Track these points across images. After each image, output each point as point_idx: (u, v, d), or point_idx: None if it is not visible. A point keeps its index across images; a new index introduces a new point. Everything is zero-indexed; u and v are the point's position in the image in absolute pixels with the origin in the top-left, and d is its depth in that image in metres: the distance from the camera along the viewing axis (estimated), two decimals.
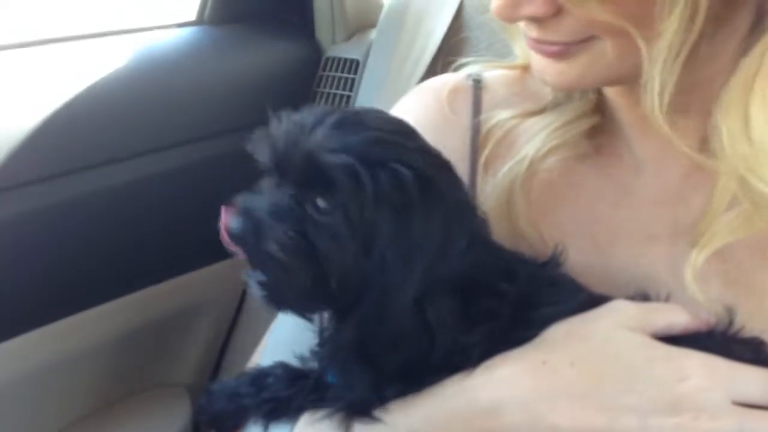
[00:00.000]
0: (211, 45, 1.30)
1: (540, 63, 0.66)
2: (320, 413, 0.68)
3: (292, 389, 0.73)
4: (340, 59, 1.37)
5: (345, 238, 0.59)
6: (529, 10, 0.61)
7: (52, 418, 1.22)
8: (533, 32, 0.64)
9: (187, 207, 1.21)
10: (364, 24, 1.41)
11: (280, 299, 0.65)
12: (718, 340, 0.63)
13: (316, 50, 1.39)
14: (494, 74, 0.84)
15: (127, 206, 1.16)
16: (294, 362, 0.76)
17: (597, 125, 0.75)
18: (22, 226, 1.05)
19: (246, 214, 0.62)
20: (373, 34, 1.35)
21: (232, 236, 0.62)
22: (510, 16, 0.62)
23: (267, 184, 0.64)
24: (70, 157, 1.08)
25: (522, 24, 0.65)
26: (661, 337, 0.62)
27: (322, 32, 1.39)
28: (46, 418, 1.22)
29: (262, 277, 0.63)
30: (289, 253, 0.60)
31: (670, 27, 0.57)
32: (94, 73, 1.12)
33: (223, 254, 1.34)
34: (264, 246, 0.61)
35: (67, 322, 1.14)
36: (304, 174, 0.60)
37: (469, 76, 0.84)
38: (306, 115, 0.62)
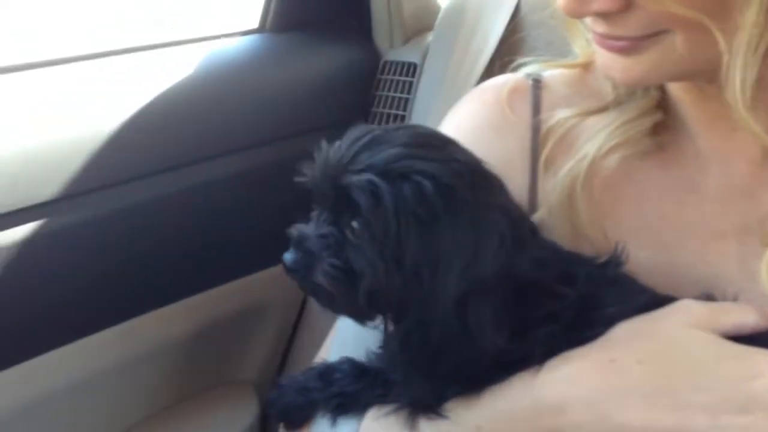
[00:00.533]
0: (273, 52, 1.33)
1: (606, 59, 0.65)
2: (386, 409, 0.70)
3: (358, 385, 0.74)
4: (398, 63, 1.37)
5: (372, 256, 0.61)
6: (599, 5, 0.60)
7: (121, 416, 1.26)
8: (600, 27, 0.63)
9: (254, 209, 1.24)
10: (421, 27, 1.42)
11: (338, 310, 0.69)
12: None
13: (375, 55, 1.40)
14: (553, 73, 0.83)
15: (194, 209, 1.19)
16: (360, 358, 0.78)
17: (660, 122, 0.73)
18: (96, 228, 1.09)
19: (297, 246, 0.67)
20: (430, 37, 1.35)
21: (288, 267, 0.67)
22: (578, 12, 0.62)
23: (316, 212, 0.67)
24: (142, 162, 1.12)
25: (588, 19, 0.64)
26: (730, 337, 0.61)
27: (380, 37, 1.40)
28: (116, 416, 1.25)
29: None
30: (334, 282, 0.64)
31: (749, 19, 0.56)
32: (162, 81, 1.16)
33: None
34: (313, 277, 0.65)
35: (137, 321, 1.18)
36: (335, 199, 0.63)
37: (528, 75, 0.83)
38: (342, 141, 0.65)
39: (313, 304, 1.46)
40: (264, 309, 1.38)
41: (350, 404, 0.74)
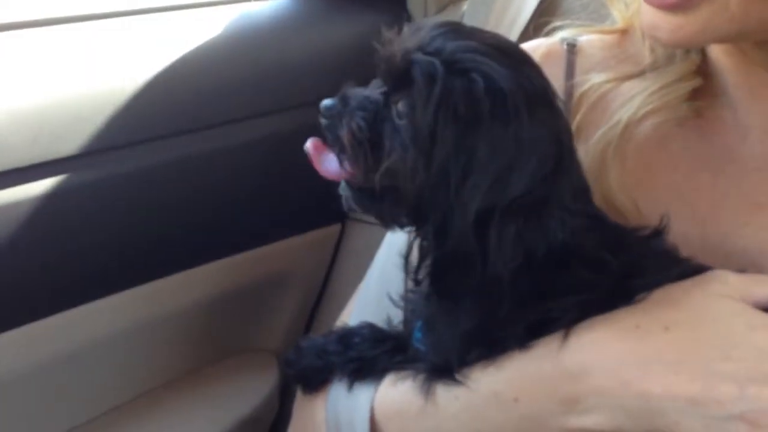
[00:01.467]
0: (303, 16, 1.31)
1: (653, 17, 0.62)
2: (403, 374, 0.69)
3: (377, 350, 0.74)
4: None
5: (406, 139, 0.59)
6: None
7: (141, 379, 1.26)
8: None
9: (280, 175, 1.23)
10: None
11: (364, 202, 0.66)
12: None
13: (409, 22, 1.37)
14: (589, 38, 0.82)
15: (219, 172, 1.18)
16: (380, 323, 0.77)
17: (698, 88, 0.71)
18: (118, 186, 1.08)
19: (341, 98, 0.65)
20: (465, 5, 1.33)
21: (322, 111, 0.65)
22: None
23: (376, 80, 0.66)
24: (166, 121, 1.11)
25: None
26: (763, 309, 0.59)
27: (414, 3, 1.37)
28: (136, 379, 1.25)
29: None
30: (353, 141, 0.62)
31: None
32: (190, 41, 1.15)
33: (312, 224, 1.37)
34: (339, 127, 0.63)
35: (159, 283, 1.17)
36: (398, 71, 0.61)
37: (563, 40, 0.82)
38: (426, 23, 0.64)
39: (338, 275, 1.48)
40: (288, 277, 1.37)
41: (368, 369, 0.74)
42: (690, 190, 0.71)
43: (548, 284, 0.61)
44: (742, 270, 0.63)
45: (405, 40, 0.62)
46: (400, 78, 0.61)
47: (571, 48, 0.81)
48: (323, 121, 0.65)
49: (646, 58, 0.74)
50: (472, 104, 0.58)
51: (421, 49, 0.60)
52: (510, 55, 0.62)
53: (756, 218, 0.69)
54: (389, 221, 0.67)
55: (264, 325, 1.40)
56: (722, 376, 0.55)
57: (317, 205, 1.15)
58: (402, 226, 0.67)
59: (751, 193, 0.70)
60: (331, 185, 0.68)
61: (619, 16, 0.78)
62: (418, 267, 0.66)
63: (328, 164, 0.65)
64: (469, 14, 1.30)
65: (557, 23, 0.85)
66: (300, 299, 1.42)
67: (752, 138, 0.70)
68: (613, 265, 0.61)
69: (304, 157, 0.67)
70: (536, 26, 1.00)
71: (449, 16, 1.37)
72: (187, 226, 1.18)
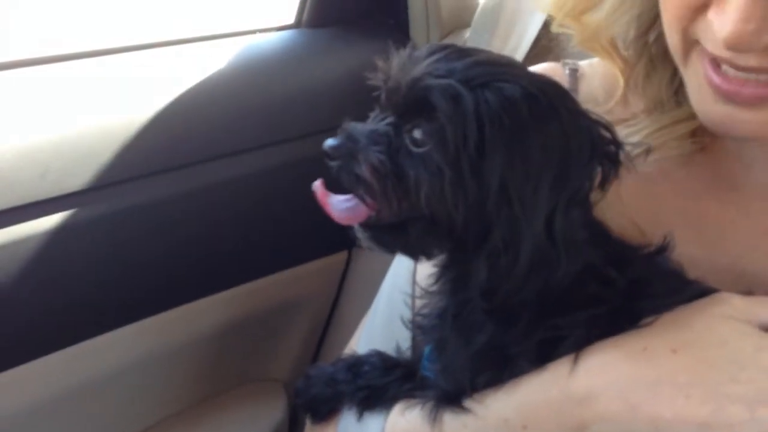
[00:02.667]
0: (309, 47, 1.32)
1: (724, 112, 0.60)
2: (412, 403, 0.69)
3: (387, 378, 0.74)
4: None
5: (438, 164, 0.58)
6: None
7: (150, 410, 1.26)
8: (753, 61, 0.56)
9: (285, 205, 1.24)
10: (458, 24, 1.40)
11: (386, 239, 0.64)
12: None
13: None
14: (591, 62, 0.82)
15: (225, 203, 1.19)
16: (389, 351, 0.77)
17: (698, 128, 0.71)
18: (126, 220, 1.09)
19: (345, 134, 0.62)
20: (467, 33, 1.34)
21: (328, 153, 0.62)
22: (750, 46, 0.54)
23: (375, 113, 0.64)
24: (174, 154, 1.12)
25: (727, 54, 0.57)
26: None
27: (417, 33, 1.39)
28: (144, 411, 1.25)
29: (365, 217, 0.63)
30: (377, 176, 0.60)
31: None
32: (197, 75, 1.16)
33: (319, 251, 1.37)
34: (355, 166, 0.61)
35: (167, 315, 1.18)
36: (407, 100, 0.60)
37: (565, 64, 0.82)
38: (419, 49, 0.62)
39: (345, 303, 1.48)
40: (296, 306, 1.38)
41: (377, 397, 0.73)
42: (696, 216, 0.71)
43: (560, 298, 0.60)
44: (748, 292, 0.63)
45: (406, 69, 0.61)
46: (410, 107, 0.60)
47: (573, 73, 0.81)
48: (332, 163, 0.62)
49: (641, 107, 0.74)
50: (514, 112, 0.57)
51: (430, 74, 0.59)
52: (513, 64, 0.63)
53: (762, 244, 0.69)
54: (418, 253, 0.66)
55: (272, 354, 1.39)
56: (732, 399, 0.55)
57: (324, 233, 1.15)
58: (431, 256, 0.66)
59: (756, 220, 0.70)
60: None
61: (621, 74, 0.76)
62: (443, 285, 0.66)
63: (341, 207, 0.63)
64: (471, 41, 1.31)
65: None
66: (308, 327, 1.42)
67: (757, 168, 0.70)
68: (619, 282, 0.61)
69: (311, 185, 0.66)
70: (537, 53, 1.00)
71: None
72: (195, 257, 1.18)
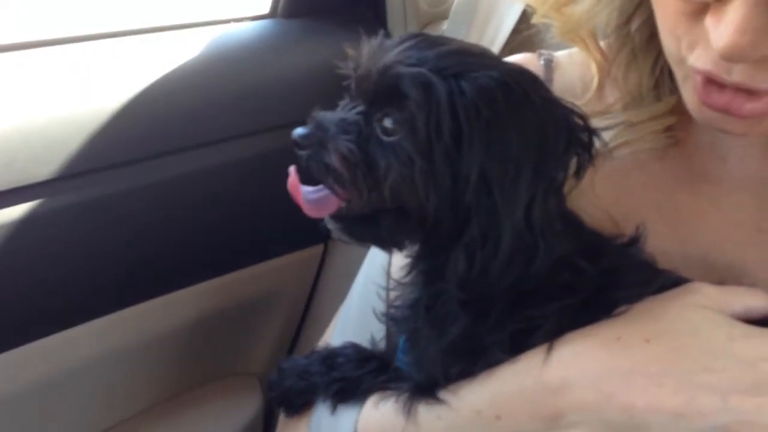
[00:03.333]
0: (284, 38, 1.31)
1: (721, 118, 0.59)
2: (386, 394, 0.68)
3: (361, 370, 0.73)
4: None
5: (409, 153, 0.57)
6: None
7: (123, 406, 1.24)
8: (744, 76, 0.55)
9: (259, 197, 1.22)
10: (435, 16, 1.40)
11: (357, 230, 0.64)
12: None
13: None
14: (566, 54, 0.81)
15: (197, 195, 1.17)
16: (363, 343, 0.76)
17: (674, 124, 0.71)
18: (96, 210, 1.07)
19: (314, 123, 0.62)
20: (444, 26, 1.33)
21: (297, 142, 0.61)
22: (746, 57, 0.53)
23: (345, 102, 0.63)
24: (144, 144, 1.10)
25: (714, 68, 0.56)
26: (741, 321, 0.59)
27: (394, 24, 1.38)
28: (117, 406, 1.23)
29: (336, 208, 0.62)
30: (347, 165, 0.59)
31: None
32: (168, 64, 1.14)
33: (295, 244, 1.36)
34: (324, 155, 0.60)
35: (139, 308, 1.16)
36: (377, 87, 0.59)
37: (540, 55, 0.82)
38: (390, 38, 0.62)
39: (321, 296, 1.47)
40: (271, 300, 1.36)
41: (351, 390, 0.73)
42: (669, 208, 0.71)
43: (533, 288, 0.60)
44: (720, 284, 0.63)
45: (376, 57, 0.60)
46: (380, 95, 0.60)
47: (548, 64, 0.80)
48: (301, 152, 0.62)
49: (617, 100, 0.73)
50: (491, 102, 0.56)
51: (401, 62, 0.58)
52: (485, 54, 0.62)
53: (734, 236, 0.69)
54: (390, 244, 0.65)
55: (247, 348, 1.38)
56: (705, 388, 0.55)
57: (300, 226, 1.14)
58: (403, 248, 0.65)
59: (728, 212, 0.70)
60: None
61: (597, 69, 0.76)
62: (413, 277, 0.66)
63: (312, 198, 0.62)
64: (449, 34, 1.30)
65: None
66: (283, 321, 1.41)
67: (730, 161, 0.70)
68: (591, 272, 0.61)
69: (286, 177, 0.65)
70: (514, 46, 1.00)
71: None
72: (167, 249, 1.16)
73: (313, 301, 1.42)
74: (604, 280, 0.61)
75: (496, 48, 1.19)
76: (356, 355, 0.75)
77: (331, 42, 1.31)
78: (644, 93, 0.71)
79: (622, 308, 0.60)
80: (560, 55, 0.82)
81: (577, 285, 0.60)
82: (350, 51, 0.62)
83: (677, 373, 0.56)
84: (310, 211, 0.63)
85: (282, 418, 0.81)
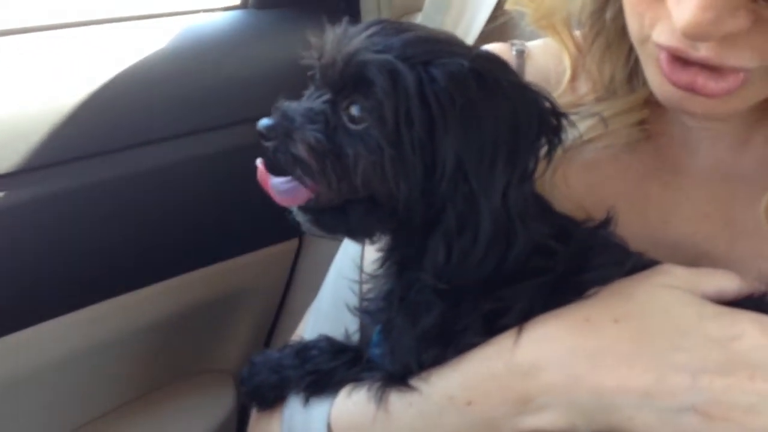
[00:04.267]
0: (256, 29, 1.29)
1: (683, 98, 0.59)
2: (359, 386, 0.68)
3: (334, 362, 0.73)
4: None
5: (377, 141, 0.57)
6: (732, 25, 0.52)
7: (95, 403, 1.22)
8: (712, 53, 0.55)
9: (233, 191, 1.20)
10: (409, 7, 1.39)
11: (328, 222, 0.63)
12: None
13: None
14: (538, 43, 0.81)
15: (168, 189, 1.15)
16: (337, 336, 0.75)
17: (647, 117, 0.71)
18: (60, 205, 1.04)
19: (280, 114, 0.61)
20: (419, 17, 1.32)
21: (262, 133, 0.61)
22: (709, 36, 0.53)
23: (310, 91, 0.63)
24: (112, 137, 1.07)
25: (679, 45, 0.56)
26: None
27: (368, 16, 1.36)
28: (88, 404, 1.21)
29: (305, 200, 0.61)
30: (315, 155, 0.58)
31: None
32: (138, 54, 1.12)
33: (269, 239, 1.34)
34: (291, 146, 0.59)
35: (109, 304, 1.14)
36: (343, 75, 0.59)
37: (513, 45, 0.82)
38: (355, 25, 0.61)
39: (296, 291, 1.46)
40: (246, 295, 1.35)
41: (324, 382, 0.72)
42: (640, 198, 0.72)
43: (504, 271, 0.60)
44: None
45: (341, 44, 0.59)
46: (346, 83, 0.59)
47: (521, 54, 0.80)
48: (267, 143, 0.61)
49: (589, 91, 0.73)
50: (463, 89, 0.56)
51: (366, 49, 0.58)
52: (451, 41, 0.62)
53: (704, 227, 0.69)
54: (361, 235, 0.65)
55: (221, 344, 1.36)
56: (674, 367, 0.55)
57: (274, 220, 1.12)
58: (375, 238, 0.64)
59: (699, 203, 0.70)
60: None
61: (570, 63, 0.76)
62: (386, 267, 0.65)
63: (282, 189, 0.62)
64: (423, 24, 1.30)
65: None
66: (258, 316, 1.39)
67: (701, 152, 0.71)
68: (562, 253, 0.61)
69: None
70: (488, 36, 1.00)
71: None
72: (136, 244, 1.14)
73: (288, 295, 1.41)
74: (575, 262, 0.61)
75: (470, 39, 1.19)
76: (329, 347, 0.74)
77: (303, 34, 1.29)
78: (618, 85, 0.71)
79: (592, 290, 0.60)
80: (533, 45, 0.81)
81: (547, 266, 0.60)
82: (313, 39, 0.62)
83: (647, 353, 0.56)
84: (281, 201, 0.62)
85: (254, 413, 0.80)
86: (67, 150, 1.03)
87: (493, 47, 0.82)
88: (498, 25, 1.14)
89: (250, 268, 1.31)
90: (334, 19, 1.34)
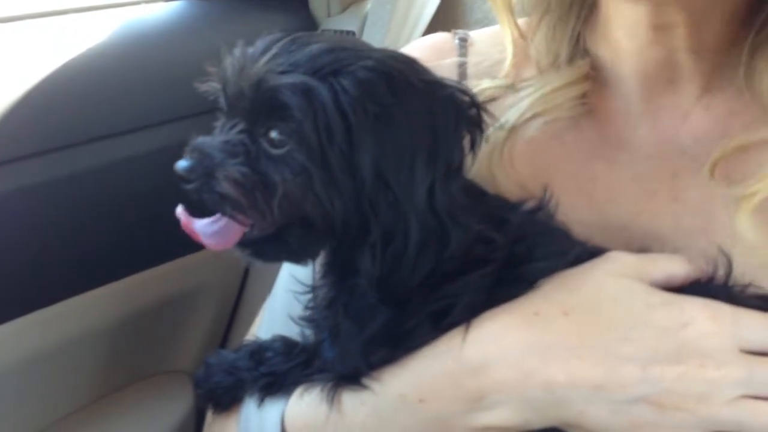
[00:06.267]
0: (202, 18, 1.26)
1: None
2: (311, 386, 0.66)
3: (289, 363, 0.71)
4: (335, 32, 1.33)
5: (302, 163, 0.55)
6: None
7: (53, 404, 1.20)
8: None
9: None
10: None
11: (268, 251, 0.62)
12: (723, 292, 0.59)
13: (311, 23, 1.35)
14: (482, 32, 0.81)
15: (113, 186, 1.12)
16: (292, 335, 0.73)
17: (588, 91, 0.71)
18: (8, 205, 1.01)
19: (195, 153, 0.59)
20: (368, 5, 1.32)
21: (181, 177, 0.58)
22: None
23: (220, 123, 0.60)
24: (54, 134, 1.05)
25: None
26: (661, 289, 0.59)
27: (317, 4, 1.36)
28: (46, 405, 1.19)
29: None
30: (242, 190, 0.57)
31: None
32: (80, 46, 1.08)
33: None
34: (215, 185, 0.57)
35: (65, 305, 1.11)
36: (255, 104, 0.57)
37: (455, 34, 0.81)
38: (255, 46, 0.59)
39: (252, 289, 1.44)
40: (200, 293, 1.33)
41: (279, 384, 0.70)
42: (586, 179, 0.71)
43: (444, 268, 0.59)
44: (644, 249, 0.63)
45: (244, 71, 0.57)
46: (260, 111, 0.57)
47: (463, 42, 0.80)
48: (189, 186, 0.58)
49: (533, 75, 0.73)
50: (375, 95, 0.55)
51: (272, 72, 0.56)
52: (356, 46, 0.60)
53: (650, 205, 0.69)
54: (304, 257, 0.63)
55: (177, 344, 1.34)
56: (623, 359, 0.55)
57: None
58: (315, 257, 0.63)
59: (644, 180, 0.70)
60: None
61: (511, 29, 0.76)
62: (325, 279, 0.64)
63: (210, 231, 0.59)
64: (372, 14, 1.29)
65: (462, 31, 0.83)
66: (214, 315, 1.37)
67: (644, 126, 0.71)
68: (502, 242, 0.60)
69: None
70: (439, 22, 1.00)
71: (352, 15, 1.35)
72: (85, 243, 1.11)
73: (244, 293, 1.40)
74: (517, 251, 0.60)
75: (421, 26, 1.18)
76: (284, 348, 0.73)
77: (251, 24, 1.28)
78: (561, 63, 0.71)
79: (540, 282, 0.59)
80: (476, 33, 0.81)
81: (488, 255, 0.59)
82: (211, 68, 0.60)
83: (597, 345, 0.56)
84: (214, 246, 0.60)
85: (209, 415, 0.78)
86: (4, 150, 1.00)
87: (435, 37, 0.83)
88: (453, 9, 1.14)
89: (205, 265, 1.29)
90: (281, 10, 1.33)
